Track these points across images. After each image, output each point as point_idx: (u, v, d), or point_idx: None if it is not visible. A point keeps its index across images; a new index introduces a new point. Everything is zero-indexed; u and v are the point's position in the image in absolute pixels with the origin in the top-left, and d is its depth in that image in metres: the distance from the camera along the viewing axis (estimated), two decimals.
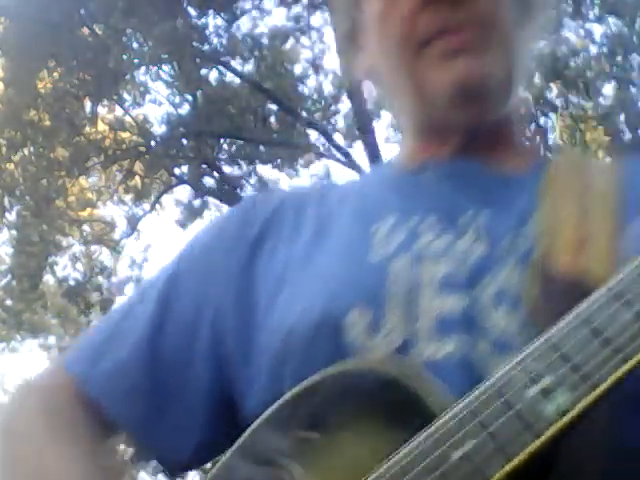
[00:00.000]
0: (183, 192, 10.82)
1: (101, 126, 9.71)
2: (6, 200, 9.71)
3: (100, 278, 10.88)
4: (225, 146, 9.82)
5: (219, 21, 9.15)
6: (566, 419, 0.47)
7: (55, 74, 9.27)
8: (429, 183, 0.79)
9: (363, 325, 0.67)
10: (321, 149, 9.43)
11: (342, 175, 9.55)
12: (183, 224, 10.79)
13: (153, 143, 9.27)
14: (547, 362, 0.48)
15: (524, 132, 0.86)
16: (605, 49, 8.23)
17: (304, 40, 9.29)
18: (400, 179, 0.83)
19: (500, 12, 0.78)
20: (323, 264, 0.75)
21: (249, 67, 9.19)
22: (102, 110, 9.84)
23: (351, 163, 8.89)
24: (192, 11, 8.89)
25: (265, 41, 8.99)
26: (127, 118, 9.91)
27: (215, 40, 9.10)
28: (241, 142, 9.67)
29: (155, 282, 0.86)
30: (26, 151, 9.48)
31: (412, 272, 0.69)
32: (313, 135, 9.51)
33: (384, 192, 0.81)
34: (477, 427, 0.48)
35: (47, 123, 9.27)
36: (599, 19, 8.37)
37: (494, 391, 0.50)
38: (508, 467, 0.47)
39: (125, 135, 9.88)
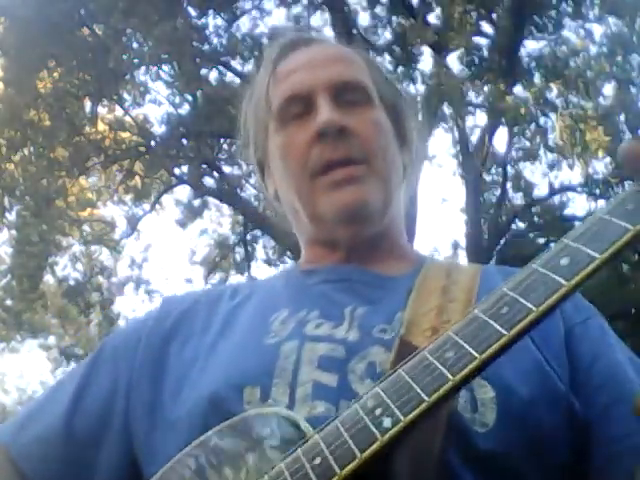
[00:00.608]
0: (183, 192, 10.84)
1: (101, 126, 9.70)
2: (6, 200, 9.71)
3: (100, 278, 10.90)
4: (225, 146, 9.82)
5: (219, 21, 9.17)
6: (388, 436, 0.67)
7: (55, 74, 9.27)
8: (317, 284, 1.00)
9: (254, 399, 0.83)
10: None
11: None
12: (183, 224, 10.81)
13: (153, 143, 9.27)
14: (379, 400, 0.70)
15: (405, 238, 1.08)
16: (605, 49, 8.24)
17: None
18: (296, 280, 1.04)
19: (380, 146, 0.98)
20: (225, 350, 0.92)
21: (249, 67, 9.19)
22: (102, 110, 9.86)
23: None
24: (192, 11, 8.89)
25: (265, 41, 8.98)
26: (127, 118, 9.90)
27: (215, 40, 9.11)
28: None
29: (84, 361, 1.02)
30: (26, 151, 9.48)
31: (297, 352, 0.87)
32: None
33: (283, 289, 1.02)
34: (335, 438, 0.69)
35: (47, 123, 9.26)
36: (599, 19, 8.38)
37: (343, 419, 0.71)
38: (347, 469, 0.67)
39: (125, 135, 9.88)
